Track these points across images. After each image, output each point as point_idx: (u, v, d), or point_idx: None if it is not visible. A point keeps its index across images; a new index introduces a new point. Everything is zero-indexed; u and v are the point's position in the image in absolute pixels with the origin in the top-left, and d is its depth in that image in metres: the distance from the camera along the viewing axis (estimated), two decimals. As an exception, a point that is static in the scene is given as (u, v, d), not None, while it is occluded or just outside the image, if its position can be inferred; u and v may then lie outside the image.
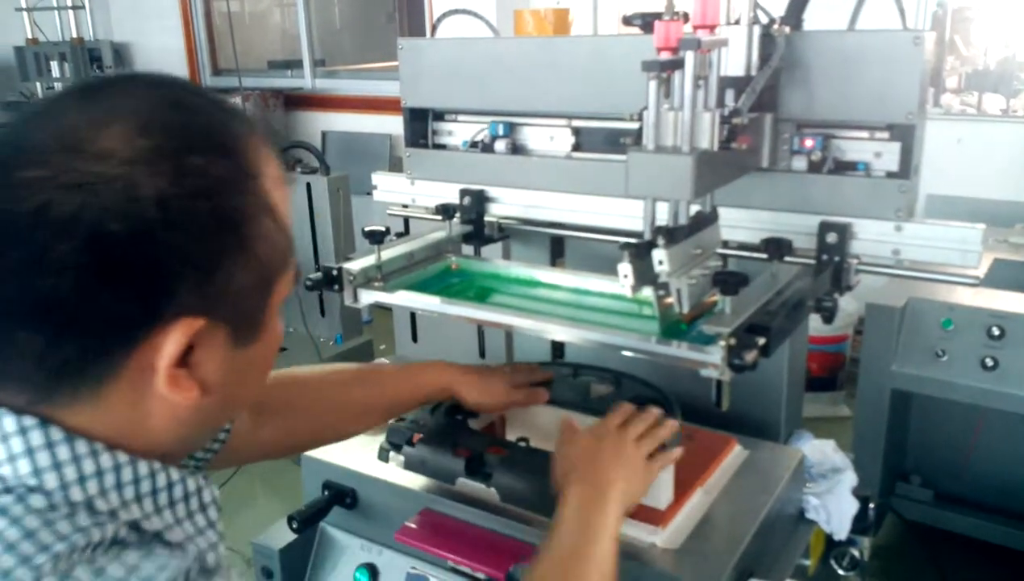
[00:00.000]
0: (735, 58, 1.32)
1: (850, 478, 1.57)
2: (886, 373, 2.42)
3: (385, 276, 1.53)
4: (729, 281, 1.16)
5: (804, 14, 1.39)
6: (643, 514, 1.27)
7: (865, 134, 1.38)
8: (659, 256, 1.17)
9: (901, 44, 1.29)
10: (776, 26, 1.33)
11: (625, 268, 1.17)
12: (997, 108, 4.41)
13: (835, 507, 1.53)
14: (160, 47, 6.68)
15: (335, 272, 1.47)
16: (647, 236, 1.21)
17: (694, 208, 1.28)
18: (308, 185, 3.81)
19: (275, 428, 1.23)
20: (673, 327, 1.28)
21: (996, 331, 2.27)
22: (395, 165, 5.29)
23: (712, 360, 1.14)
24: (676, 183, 1.15)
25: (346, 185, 3.86)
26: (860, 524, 1.55)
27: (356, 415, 1.35)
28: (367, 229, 1.50)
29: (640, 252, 1.18)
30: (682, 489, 1.32)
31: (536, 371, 1.50)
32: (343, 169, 4.04)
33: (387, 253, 1.54)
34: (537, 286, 1.60)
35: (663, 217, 1.25)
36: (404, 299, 1.48)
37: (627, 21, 1.62)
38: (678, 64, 1.16)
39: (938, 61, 4.29)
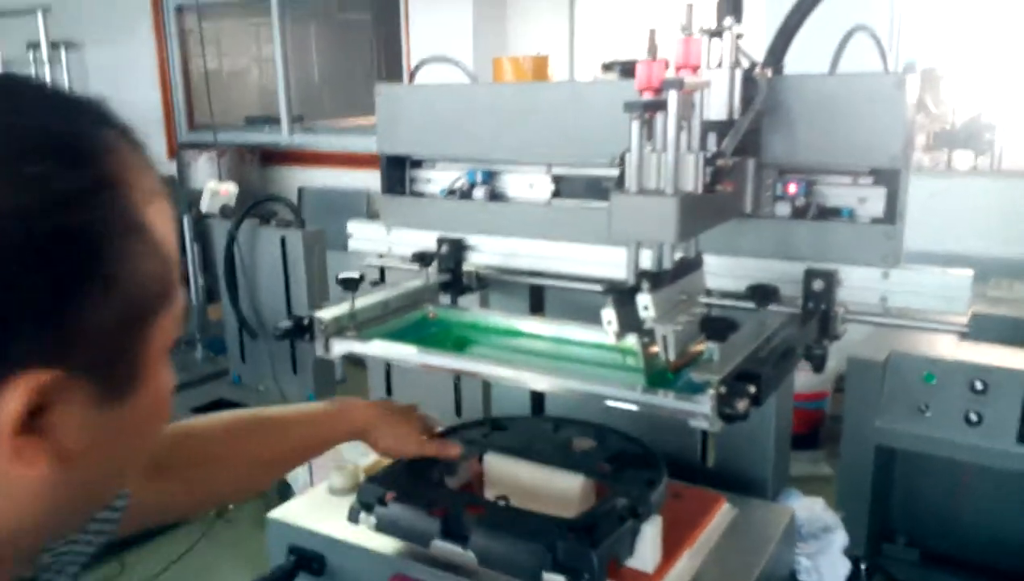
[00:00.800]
0: (717, 102, 1.30)
1: (841, 537, 1.51)
2: (869, 428, 2.38)
3: (359, 325, 1.47)
4: (718, 327, 1.12)
5: (784, 58, 1.37)
6: (629, 577, 1.20)
7: (849, 180, 1.37)
8: (644, 301, 1.13)
9: (884, 87, 1.28)
10: (758, 69, 1.32)
11: (609, 314, 1.14)
12: (965, 165, 4.49)
13: (828, 568, 1.47)
14: (137, 102, 6.66)
15: (306, 321, 1.41)
16: (631, 282, 1.17)
17: (678, 254, 1.24)
18: (283, 239, 3.75)
19: (171, 486, 1.11)
20: (659, 376, 1.23)
21: (979, 385, 2.24)
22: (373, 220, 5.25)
23: (701, 410, 1.09)
24: (660, 226, 1.12)
25: (322, 240, 3.81)
26: (853, 586, 1.49)
27: (261, 466, 1.26)
28: (341, 276, 1.45)
29: (624, 298, 1.14)
30: (670, 550, 1.25)
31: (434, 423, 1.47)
32: (319, 225, 4.00)
33: (362, 301, 1.48)
34: (517, 336, 1.55)
35: (645, 264, 1.22)
36: (379, 349, 1.42)
37: (607, 68, 1.61)
38: (661, 105, 1.13)
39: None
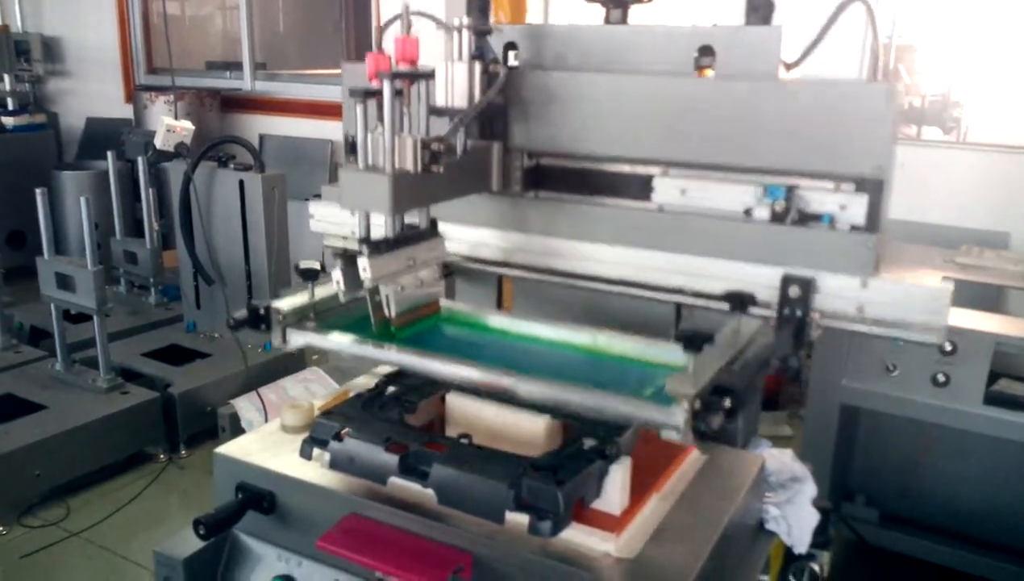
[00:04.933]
0: (460, 91, 1.40)
1: (810, 488, 1.48)
2: (836, 387, 2.36)
3: (319, 314, 1.41)
4: (694, 339, 1.06)
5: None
6: (595, 519, 1.14)
7: (831, 185, 1.31)
8: (362, 264, 1.26)
9: (873, 96, 1.23)
10: (494, 64, 1.43)
11: (337, 274, 1.32)
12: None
13: (795, 518, 1.43)
14: (94, 43, 6.43)
15: (262, 310, 1.35)
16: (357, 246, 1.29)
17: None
18: (241, 182, 3.62)
19: None
20: (384, 329, 1.35)
21: (948, 347, 2.23)
22: (336, 172, 5.12)
23: (674, 422, 1.05)
24: (377, 199, 1.25)
25: (282, 184, 3.68)
26: (820, 538, 1.45)
27: None
28: (301, 266, 1.38)
29: (351, 261, 1.28)
30: (638, 494, 1.20)
31: None
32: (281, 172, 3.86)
33: (322, 290, 1.42)
34: (482, 330, 1.49)
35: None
36: (337, 343, 1.36)
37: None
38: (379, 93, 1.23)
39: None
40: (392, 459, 1.16)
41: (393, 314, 1.33)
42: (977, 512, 2.51)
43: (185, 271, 3.89)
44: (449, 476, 1.13)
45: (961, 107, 5.44)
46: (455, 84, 1.40)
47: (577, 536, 1.13)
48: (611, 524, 1.14)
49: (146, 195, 4.05)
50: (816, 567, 1.47)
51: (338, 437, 1.22)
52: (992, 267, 2.87)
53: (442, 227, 1.48)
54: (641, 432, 1.28)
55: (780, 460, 1.52)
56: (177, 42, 5.95)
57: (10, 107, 6.02)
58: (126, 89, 6.31)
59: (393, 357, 1.33)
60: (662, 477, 1.28)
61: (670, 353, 1.31)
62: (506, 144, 1.49)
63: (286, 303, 1.38)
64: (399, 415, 1.30)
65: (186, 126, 3.66)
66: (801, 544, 1.42)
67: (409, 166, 1.25)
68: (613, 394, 1.13)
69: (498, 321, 1.52)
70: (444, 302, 1.53)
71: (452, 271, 1.68)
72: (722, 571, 1.22)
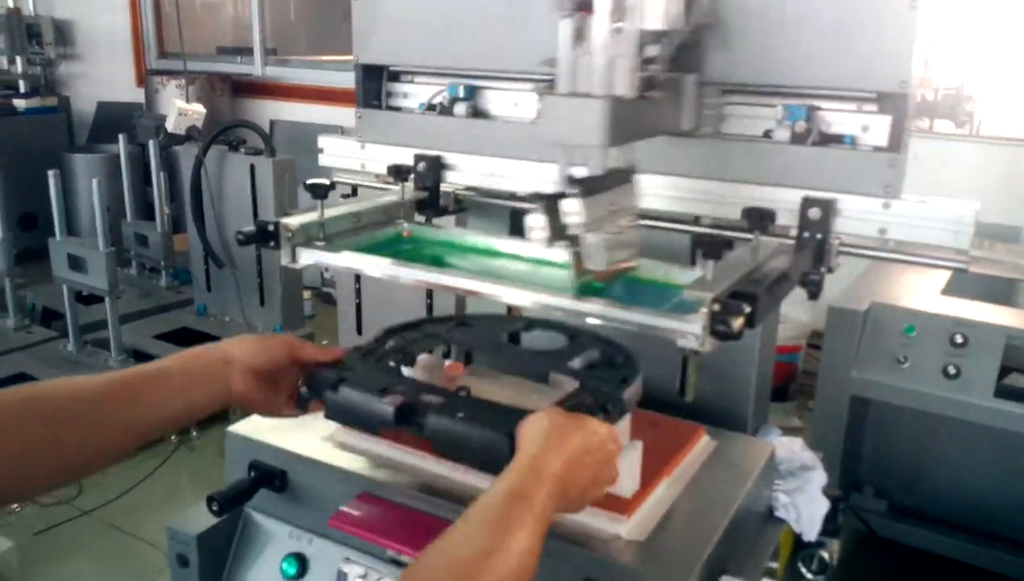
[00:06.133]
0: (655, 11, 1.18)
1: (820, 476, 1.47)
2: (846, 379, 2.35)
3: (328, 237, 1.38)
4: (712, 245, 1.05)
5: None
6: (606, 502, 1.14)
7: (852, 106, 1.30)
8: (571, 207, 1.08)
9: (895, 6, 1.21)
10: None
11: (538, 220, 1.08)
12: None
13: (805, 506, 1.43)
14: (105, 27, 6.44)
15: (271, 227, 1.32)
16: (560, 187, 1.12)
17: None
18: (252, 167, 3.63)
19: None
20: (586, 286, 1.18)
21: (959, 339, 2.22)
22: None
23: (691, 329, 1.03)
24: (589, 129, 1.05)
25: (292, 169, 3.69)
26: (829, 525, 1.45)
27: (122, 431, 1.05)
28: (309, 182, 1.35)
29: (554, 204, 1.09)
30: (648, 478, 1.20)
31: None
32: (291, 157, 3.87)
33: (331, 211, 1.39)
34: (496, 256, 1.46)
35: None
36: (349, 261, 1.34)
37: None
38: (590, 5, 1.07)
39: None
40: (388, 408, 1.12)
41: (600, 265, 1.16)
42: (986, 505, 2.50)
43: (196, 254, 3.91)
44: (446, 425, 1.08)
45: (974, 101, 5.41)
46: (648, 4, 1.17)
47: (587, 518, 1.13)
48: (621, 506, 1.14)
49: (157, 178, 4.06)
50: (825, 555, 1.46)
51: (334, 387, 1.18)
52: (1004, 261, 2.85)
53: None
54: (649, 418, 1.28)
55: (790, 448, 1.52)
56: (188, 27, 5.94)
57: (22, 90, 6.04)
58: (137, 73, 6.32)
59: (410, 274, 1.29)
60: (672, 462, 1.28)
61: (689, 275, 1.27)
62: (700, 76, 1.31)
63: (295, 220, 1.33)
64: (397, 367, 1.28)
65: (198, 110, 3.67)
66: (811, 532, 1.42)
67: (624, 91, 1.09)
68: (630, 306, 1.11)
69: (506, 245, 1.48)
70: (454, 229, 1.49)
71: (465, 206, 1.66)
72: (731, 556, 1.22)
